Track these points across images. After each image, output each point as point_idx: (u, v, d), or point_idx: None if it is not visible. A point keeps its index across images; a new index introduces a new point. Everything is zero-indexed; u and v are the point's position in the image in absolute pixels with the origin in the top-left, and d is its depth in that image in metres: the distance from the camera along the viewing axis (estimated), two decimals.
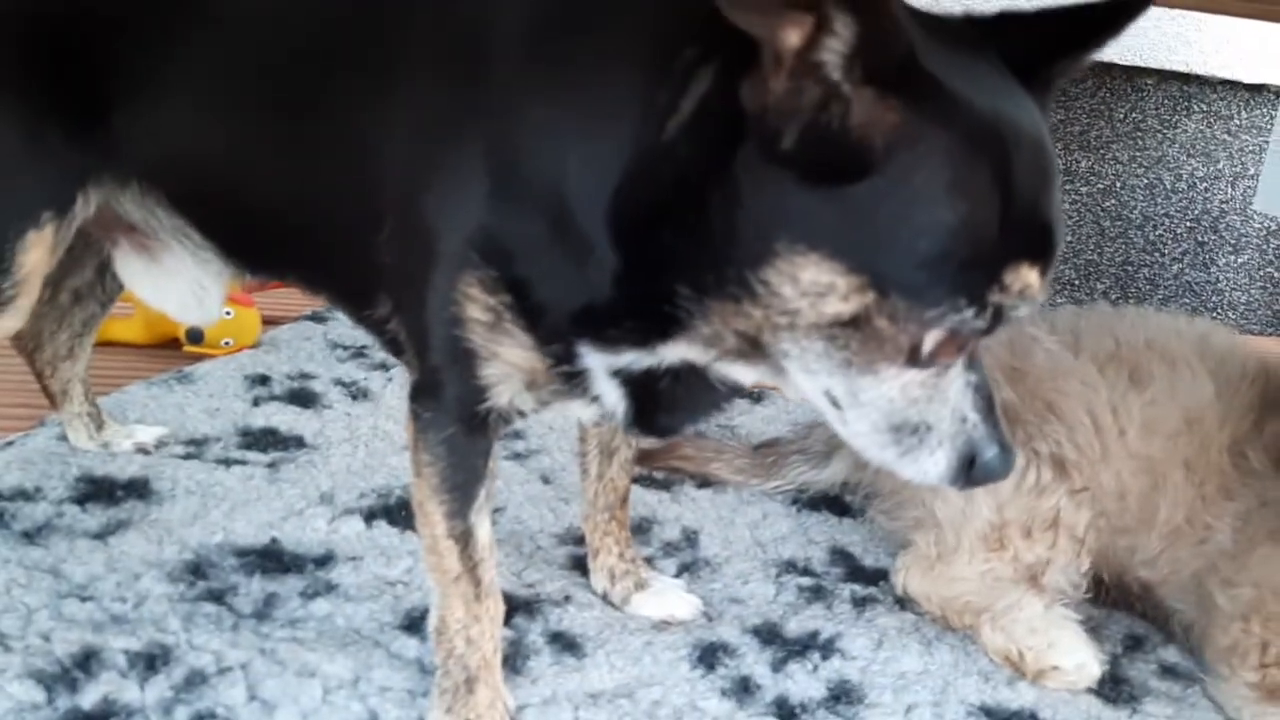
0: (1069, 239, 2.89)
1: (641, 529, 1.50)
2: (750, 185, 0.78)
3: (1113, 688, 1.28)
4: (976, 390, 0.87)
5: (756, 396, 2.07)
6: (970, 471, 0.88)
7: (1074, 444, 1.35)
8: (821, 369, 0.84)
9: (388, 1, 1.01)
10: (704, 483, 1.68)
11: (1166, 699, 1.27)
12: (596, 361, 0.93)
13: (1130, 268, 2.95)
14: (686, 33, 0.82)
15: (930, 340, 0.81)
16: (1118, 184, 2.87)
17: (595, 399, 0.97)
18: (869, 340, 0.80)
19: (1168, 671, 1.33)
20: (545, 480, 1.63)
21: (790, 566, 1.47)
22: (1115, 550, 1.39)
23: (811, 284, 0.78)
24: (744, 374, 0.92)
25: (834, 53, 0.72)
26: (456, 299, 0.91)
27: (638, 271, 0.85)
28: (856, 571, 1.48)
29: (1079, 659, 1.25)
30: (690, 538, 1.51)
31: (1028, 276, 0.80)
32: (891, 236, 0.77)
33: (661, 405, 0.99)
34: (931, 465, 0.88)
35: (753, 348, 0.86)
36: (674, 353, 0.91)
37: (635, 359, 0.92)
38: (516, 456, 1.69)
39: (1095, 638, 1.37)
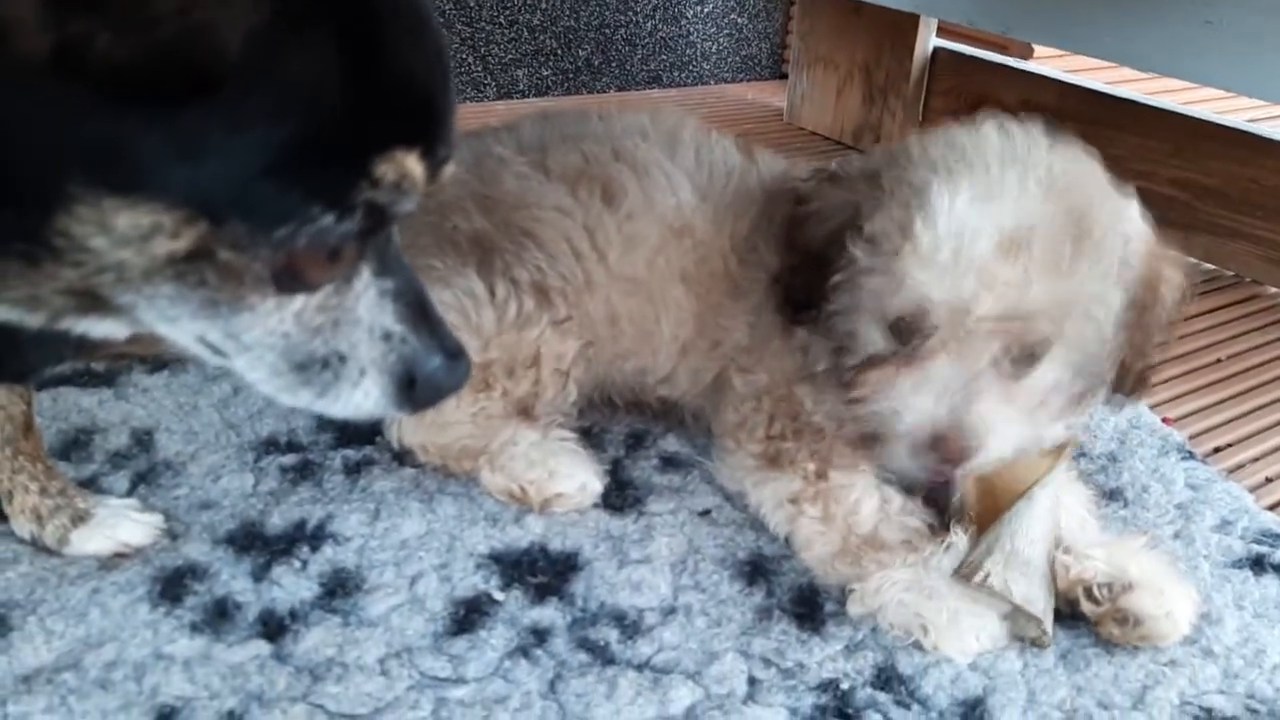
0: (544, 6, 2.77)
1: (79, 443, 1.25)
2: (23, 105, 0.56)
3: (618, 494, 1.27)
4: (396, 298, 0.75)
5: None
6: (413, 392, 0.77)
7: (556, 272, 1.26)
8: (183, 314, 0.67)
9: None
10: (158, 364, 1.42)
11: (669, 492, 1.28)
12: None
13: (608, 30, 2.90)
14: None
15: (294, 260, 0.66)
16: None
17: None
18: (226, 274, 0.64)
19: (668, 463, 1.34)
20: None
21: (271, 446, 1.29)
22: (622, 374, 1.35)
23: (132, 229, 0.60)
24: (105, 329, 0.72)
25: None
26: None
27: None
28: (347, 433, 1.32)
29: (579, 480, 1.22)
30: (143, 440, 1.27)
31: (405, 165, 0.67)
32: (224, 157, 0.59)
33: (10, 349, 0.78)
34: (362, 398, 0.76)
35: (92, 302, 0.66)
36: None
37: None
38: None
39: (599, 445, 1.35)
